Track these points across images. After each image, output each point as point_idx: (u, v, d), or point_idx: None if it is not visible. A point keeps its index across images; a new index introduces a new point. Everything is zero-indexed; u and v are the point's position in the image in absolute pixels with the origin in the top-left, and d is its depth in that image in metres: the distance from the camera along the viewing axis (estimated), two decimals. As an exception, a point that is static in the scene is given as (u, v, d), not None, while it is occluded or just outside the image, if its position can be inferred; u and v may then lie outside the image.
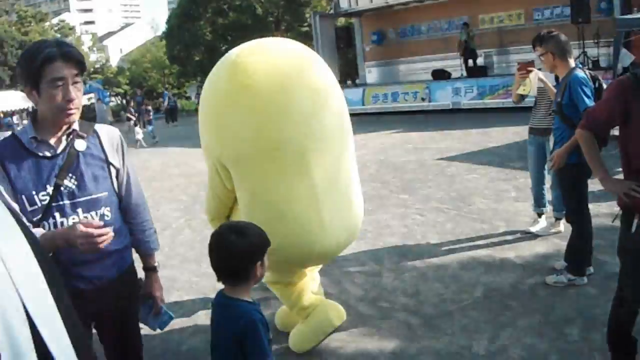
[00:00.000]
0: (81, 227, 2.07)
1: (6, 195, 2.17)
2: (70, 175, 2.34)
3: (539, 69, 5.29)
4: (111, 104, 43.19)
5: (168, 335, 4.33)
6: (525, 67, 5.17)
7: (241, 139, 3.25)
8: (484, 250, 5.48)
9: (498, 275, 4.84)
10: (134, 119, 23.05)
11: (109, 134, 2.54)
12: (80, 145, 2.40)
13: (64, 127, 2.37)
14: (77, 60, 2.28)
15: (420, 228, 6.38)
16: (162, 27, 47.71)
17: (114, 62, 58.74)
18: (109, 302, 2.46)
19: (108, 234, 2.11)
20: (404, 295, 4.67)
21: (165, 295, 5.32)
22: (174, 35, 34.51)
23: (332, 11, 22.55)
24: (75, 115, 2.34)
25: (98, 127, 2.54)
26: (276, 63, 3.30)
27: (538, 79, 5.19)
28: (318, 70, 3.46)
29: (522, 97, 5.38)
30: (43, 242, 2.04)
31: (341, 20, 25.53)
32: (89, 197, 2.37)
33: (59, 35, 46.01)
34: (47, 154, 2.33)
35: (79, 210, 2.34)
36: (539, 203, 5.75)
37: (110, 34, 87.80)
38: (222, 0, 33.46)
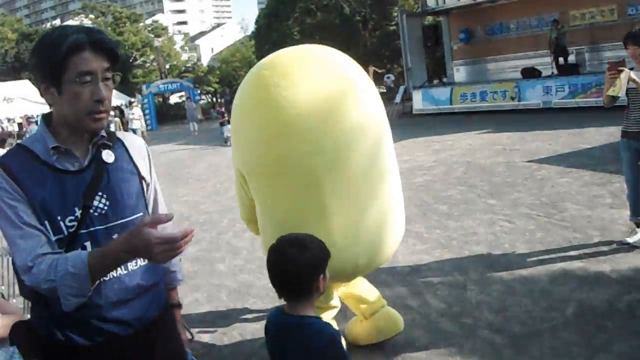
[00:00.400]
0: (153, 231, 1.64)
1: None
2: (100, 193, 1.88)
3: (631, 69, 5.01)
4: (201, 102, 44.48)
5: (239, 345, 4.35)
6: (615, 67, 4.90)
7: (253, 152, 3.28)
8: (576, 262, 5.21)
9: (592, 291, 4.57)
10: (225, 118, 23.61)
11: (135, 142, 2.12)
12: (108, 156, 1.94)
13: (89, 135, 1.92)
14: (109, 51, 1.84)
15: (508, 236, 6.19)
16: (252, 27, 48.79)
17: (205, 61, 60.47)
18: (152, 347, 1.98)
19: (192, 232, 1.66)
20: (489, 310, 4.49)
21: (239, 302, 5.48)
22: (263, 35, 35.20)
23: (419, 9, 22.36)
24: (105, 120, 1.88)
25: (121, 135, 2.10)
26: (295, 78, 3.16)
27: (629, 79, 4.91)
28: (342, 87, 3.26)
29: (614, 98, 5.09)
30: (92, 262, 1.68)
31: (428, 19, 25.20)
32: (125, 220, 1.92)
33: (152, 36, 47.66)
34: (72, 168, 1.86)
35: (115, 236, 1.85)
36: (636, 212, 5.45)
37: (202, 33, 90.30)
38: (310, 0, 33.75)
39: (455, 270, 5.42)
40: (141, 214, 1.99)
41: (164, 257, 1.66)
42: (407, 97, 21.39)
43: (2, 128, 22.88)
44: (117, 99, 33.16)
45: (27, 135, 16.45)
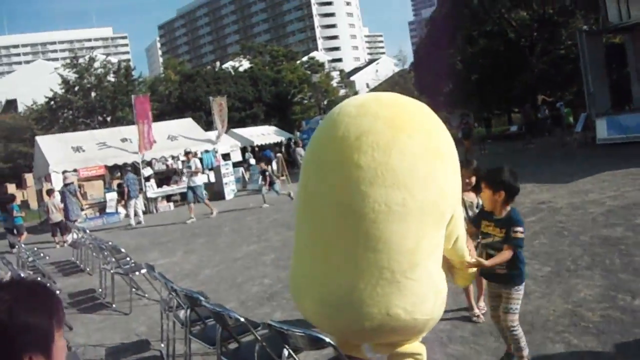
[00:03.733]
0: None
1: None
2: None
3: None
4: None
5: None
6: None
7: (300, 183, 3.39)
8: None
9: None
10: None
11: None
12: None
13: None
14: None
15: None
16: (410, 59, 47.96)
17: (361, 96, 60.52)
18: None
19: None
20: None
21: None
22: (423, 65, 34.11)
23: (599, 27, 20.14)
24: None
25: None
26: (359, 123, 3.03)
27: None
28: (391, 144, 2.95)
29: None
30: None
31: (608, 37, 22.78)
32: None
33: (309, 72, 48.46)
34: None
35: None
36: None
37: (356, 69, 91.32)
38: (472, 27, 32.25)
39: None
40: None
41: None
42: (589, 125, 19.19)
43: (167, 165, 23.75)
44: (277, 135, 33.71)
45: (187, 168, 16.75)
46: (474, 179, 4.97)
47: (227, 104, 25.85)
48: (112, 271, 7.85)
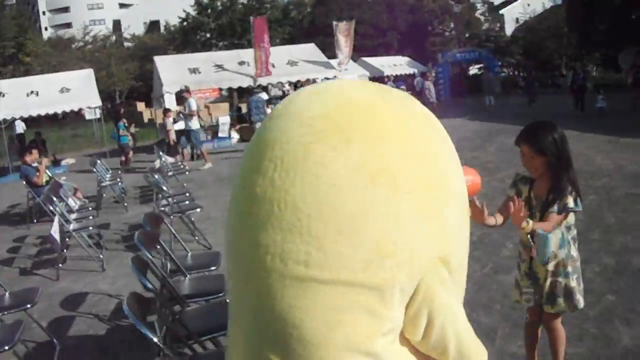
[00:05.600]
0: None
1: None
2: None
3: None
4: (501, 74, 40.83)
5: None
6: None
7: None
8: None
9: None
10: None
11: None
12: None
13: None
14: None
15: None
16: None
17: (508, 31, 55.98)
18: None
19: None
20: None
21: None
22: (577, 2, 29.88)
23: None
24: None
25: None
26: (272, 128, 1.77)
27: None
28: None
29: None
30: None
31: None
32: None
33: (452, 2, 45.01)
34: None
35: None
36: None
37: (506, 2, 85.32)
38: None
39: None
40: None
41: None
42: None
43: (284, 92, 22.82)
44: (410, 67, 31.40)
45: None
46: None
47: (359, 30, 24.17)
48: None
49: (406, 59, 33.13)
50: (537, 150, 2.92)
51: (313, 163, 1.58)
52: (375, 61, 30.49)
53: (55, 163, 18.07)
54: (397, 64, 31.19)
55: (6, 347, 3.69)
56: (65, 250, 7.12)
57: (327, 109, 1.68)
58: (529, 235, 2.95)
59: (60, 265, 6.92)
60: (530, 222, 2.79)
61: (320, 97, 1.76)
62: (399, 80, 27.83)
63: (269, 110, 20.30)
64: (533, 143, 2.94)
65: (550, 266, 3.02)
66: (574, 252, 3.08)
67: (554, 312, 3.11)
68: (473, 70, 42.83)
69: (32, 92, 17.52)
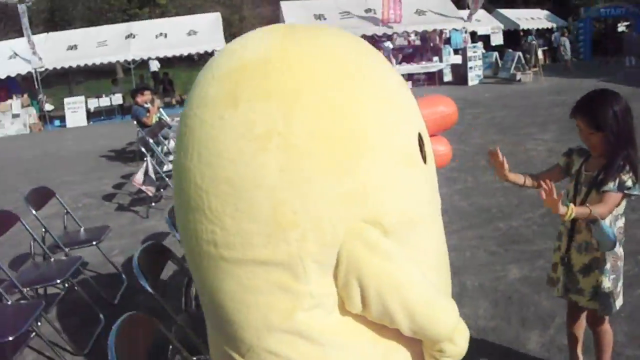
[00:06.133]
0: None
1: None
2: None
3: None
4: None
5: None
6: None
7: None
8: None
9: None
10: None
11: None
12: None
13: None
14: None
15: None
16: None
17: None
18: None
19: None
20: None
21: None
22: None
23: None
24: None
25: None
26: (200, 85, 1.61)
27: None
28: None
29: None
30: None
31: None
32: None
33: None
34: None
35: None
36: None
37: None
38: None
39: None
40: None
41: None
42: None
43: (409, 42, 22.07)
44: (549, 21, 29.30)
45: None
46: None
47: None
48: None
49: (545, 12, 30.84)
50: (595, 125, 2.50)
51: (205, 135, 1.45)
52: (511, 13, 28.70)
53: (181, 103, 18.80)
54: (534, 17, 29.21)
55: (57, 281, 3.83)
56: (163, 190, 7.34)
57: (220, 72, 1.53)
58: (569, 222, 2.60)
59: (153, 204, 7.18)
60: (572, 206, 2.38)
61: (219, 60, 1.59)
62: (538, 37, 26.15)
63: (394, 60, 19.90)
64: (590, 117, 2.53)
65: (586, 258, 2.64)
66: (618, 248, 2.63)
67: (582, 307, 2.77)
68: (621, 27, 39.21)
69: (160, 34, 18.26)
